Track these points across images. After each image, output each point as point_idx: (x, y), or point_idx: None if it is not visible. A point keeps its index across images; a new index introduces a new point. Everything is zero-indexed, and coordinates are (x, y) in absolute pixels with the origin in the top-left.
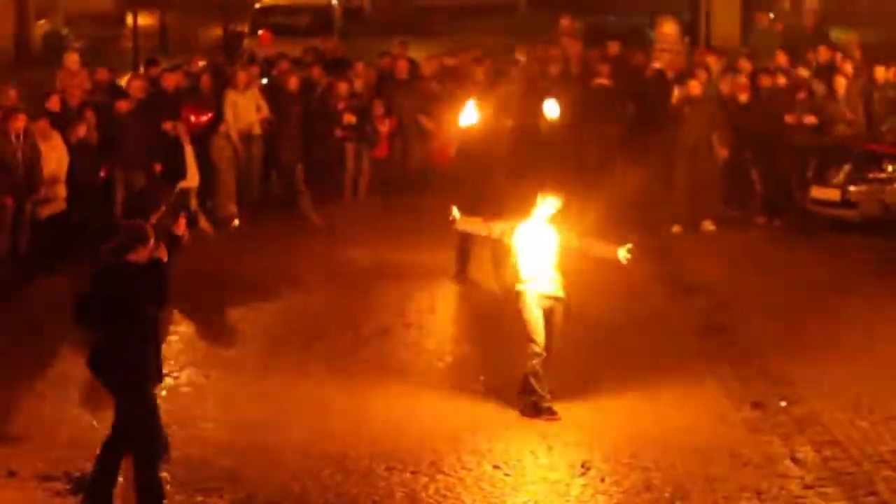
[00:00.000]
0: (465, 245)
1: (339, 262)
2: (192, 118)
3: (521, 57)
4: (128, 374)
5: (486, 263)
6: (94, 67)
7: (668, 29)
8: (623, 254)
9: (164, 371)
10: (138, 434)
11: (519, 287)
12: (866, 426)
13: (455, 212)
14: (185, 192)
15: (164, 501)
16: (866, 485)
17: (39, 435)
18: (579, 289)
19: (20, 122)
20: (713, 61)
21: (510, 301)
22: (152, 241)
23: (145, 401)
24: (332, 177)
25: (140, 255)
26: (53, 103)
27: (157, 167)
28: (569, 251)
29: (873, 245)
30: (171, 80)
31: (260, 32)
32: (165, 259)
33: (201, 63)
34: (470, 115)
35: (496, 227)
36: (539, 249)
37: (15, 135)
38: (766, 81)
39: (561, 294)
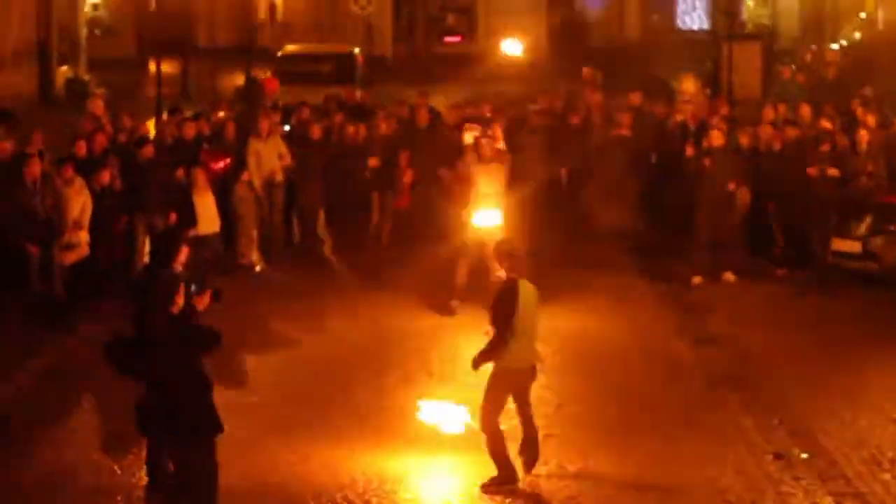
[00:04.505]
0: None
1: (362, 309)
2: (211, 164)
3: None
4: (179, 426)
5: None
6: (118, 113)
7: (688, 86)
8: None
9: None
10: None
11: (500, 364)
12: (888, 478)
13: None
14: (204, 239)
15: None
16: None
17: (62, 482)
18: (601, 340)
19: (35, 168)
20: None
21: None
22: (182, 288)
23: (202, 453)
24: (354, 224)
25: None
26: (80, 148)
27: (172, 215)
28: None
29: (894, 297)
30: (192, 129)
31: (263, 77)
32: (201, 307)
33: (221, 114)
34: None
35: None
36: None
37: (31, 181)
38: (789, 133)
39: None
